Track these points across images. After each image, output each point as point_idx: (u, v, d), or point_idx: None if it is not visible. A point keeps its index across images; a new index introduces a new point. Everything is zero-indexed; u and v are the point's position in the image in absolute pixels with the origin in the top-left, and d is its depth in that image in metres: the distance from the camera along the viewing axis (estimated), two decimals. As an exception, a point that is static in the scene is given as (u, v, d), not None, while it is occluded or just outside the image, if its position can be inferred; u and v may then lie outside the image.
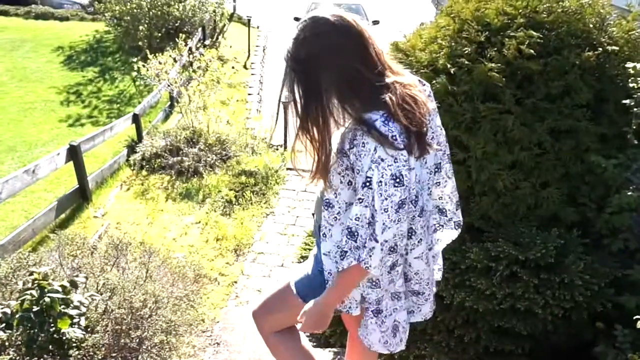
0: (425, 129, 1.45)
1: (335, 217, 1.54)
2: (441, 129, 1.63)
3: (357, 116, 1.40)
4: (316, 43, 1.41)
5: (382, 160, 1.36)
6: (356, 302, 1.63)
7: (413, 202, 1.46)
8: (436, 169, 1.62)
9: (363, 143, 1.39)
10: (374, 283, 1.58)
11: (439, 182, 1.66)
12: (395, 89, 1.41)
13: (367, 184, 1.39)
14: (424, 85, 1.58)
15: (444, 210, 1.74)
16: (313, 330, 1.63)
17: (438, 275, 1.82)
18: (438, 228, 1.74)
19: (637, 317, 1.75)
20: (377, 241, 1.40)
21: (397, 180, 1.36)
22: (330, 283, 1.59)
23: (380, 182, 1.36)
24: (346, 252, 1.46)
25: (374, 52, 1.43)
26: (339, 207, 1.53)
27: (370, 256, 1.42)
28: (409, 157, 1.40)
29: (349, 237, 1.45)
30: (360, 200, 1.42)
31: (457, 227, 1.78)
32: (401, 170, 1.36)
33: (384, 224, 1.37)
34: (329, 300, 1.56)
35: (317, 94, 1.43)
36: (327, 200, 1.54)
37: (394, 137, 1.36)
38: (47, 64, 11.47)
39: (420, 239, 1.57)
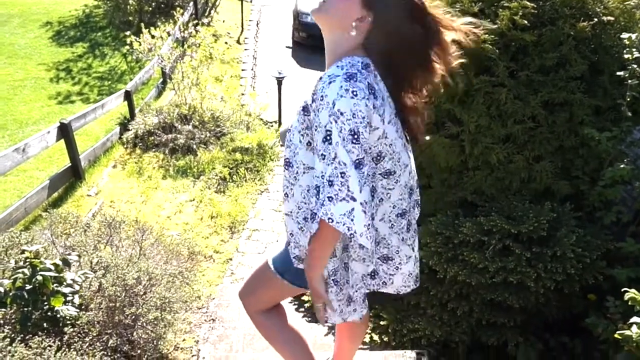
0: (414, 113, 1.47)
1: (295, 176, 1.51)
2: None
3: (344, 48, 1.42)
4: None
5: (342, 114, 1.32)
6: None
7: (374, 159, 1.44)
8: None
9: (322, 96, 1.35)
10: (333, 252, 1.54)
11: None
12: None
13: (328, 138, 1.34)
14: None
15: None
16: (321, 302, 1.55)
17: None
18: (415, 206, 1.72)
19: (626, 289, 1.76)
20: (355, 200, 1.32)
21: (355, 136, 1.32)
22: (293, 244, 1.59)
23: (342, 137, 1.32)
24: (315, 213, 1.39)
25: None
26: (297, 167, 1.50)
27: (352, 220, 1.32)
28: (374, 114, 1.37)
29: (316, 196, 1.39)
30: (323, 157, 1.35)
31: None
32: (359, 126, 1.32)
33: (359, 181, 1.32)
34: (309, 271, 1.50)
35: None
36: (287, 160, 1.52)
37: (354, 92, 1.32)
38: (35, 39, 11.24)
39: (382, 199, 1.53)
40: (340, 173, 1.31)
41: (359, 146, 1.33)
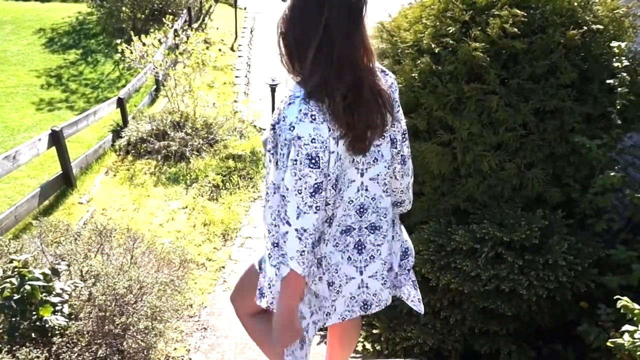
0: (371, 129, 1.39)
1: (266, 197, 1.51)
2: (402, 124, 1.56)
3: (296, 79, 1.38)
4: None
5: (299, 138, 1.31)
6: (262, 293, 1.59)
7: (334, 186, 1.40)
8: (389, 164, 1.56)
9: (284, 117, 1.35)
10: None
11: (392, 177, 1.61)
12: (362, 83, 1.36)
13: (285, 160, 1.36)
14: (387, 74, 1.52)
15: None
16: (290, 342, 1.52)
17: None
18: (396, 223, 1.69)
19: (618, 297, 1.76)
20: (289, 224, 1.33)
21: (313, 161, 1.30)
22: (262, 267, 1.59)
23: (295, 160, 1.31)
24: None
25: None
26: (267, 188, 1.50)
27: (285, 242, 1.34)
28: (329, 138, 1.32)
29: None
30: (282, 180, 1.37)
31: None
32: (318, 151, 1.30)
33: (298, 207, 1.31)
34: (280, 309, 1.47)
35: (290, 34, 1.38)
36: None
37: (313, 117, 1.31)
38: (28, 46, 11.20)
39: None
40: (281, 196, 1.35)
41: (318, 170, 1.31)
